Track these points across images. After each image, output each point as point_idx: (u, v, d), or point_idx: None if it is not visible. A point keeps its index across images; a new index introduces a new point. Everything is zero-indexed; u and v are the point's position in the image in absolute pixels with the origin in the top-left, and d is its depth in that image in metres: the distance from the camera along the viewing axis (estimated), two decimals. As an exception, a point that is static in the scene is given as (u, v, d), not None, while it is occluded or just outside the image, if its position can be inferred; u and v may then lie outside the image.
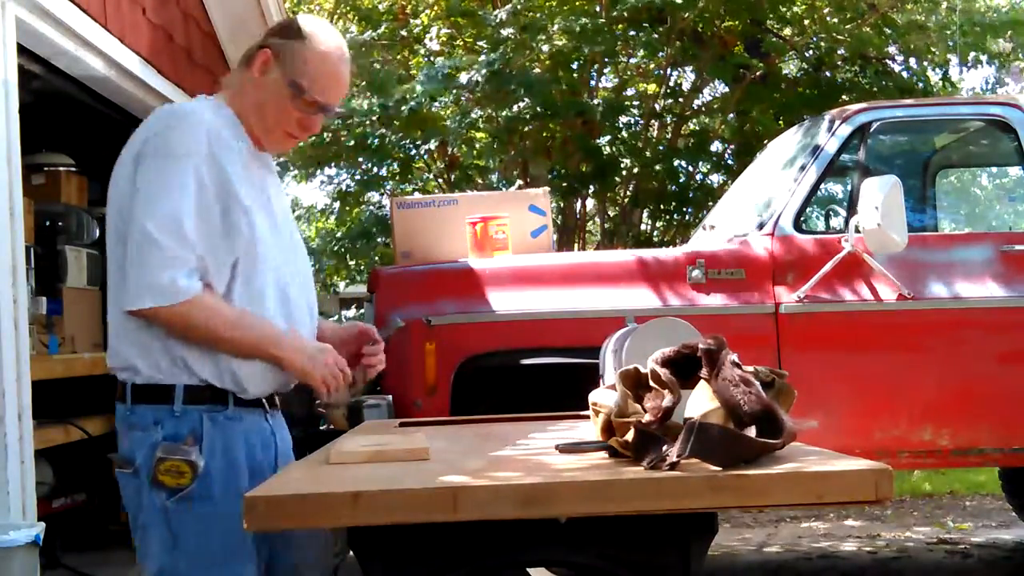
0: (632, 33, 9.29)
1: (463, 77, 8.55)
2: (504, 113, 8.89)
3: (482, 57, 8.76)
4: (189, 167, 1.93)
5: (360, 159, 10.45)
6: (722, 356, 1.64)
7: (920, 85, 9.79)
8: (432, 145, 9.79)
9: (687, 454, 1.48)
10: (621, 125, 10.24)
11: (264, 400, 2.08)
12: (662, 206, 10.42)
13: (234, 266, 1.99)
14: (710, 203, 7.65)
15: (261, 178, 2.11)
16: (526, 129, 9.50)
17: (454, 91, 8.97)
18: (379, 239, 10.63)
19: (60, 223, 5.13)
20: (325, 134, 10.45)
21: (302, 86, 2.05)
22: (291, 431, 2.20)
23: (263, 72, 2.07)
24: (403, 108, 8.65)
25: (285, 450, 2.15)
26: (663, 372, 1.64)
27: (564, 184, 9.62)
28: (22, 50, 3.76)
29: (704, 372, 1.63)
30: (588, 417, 1.92)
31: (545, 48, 8.88)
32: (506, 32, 8.81)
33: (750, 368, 1.68)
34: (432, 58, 9.34)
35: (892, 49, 10.06)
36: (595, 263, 4.43)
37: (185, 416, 1.96)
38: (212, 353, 1.97)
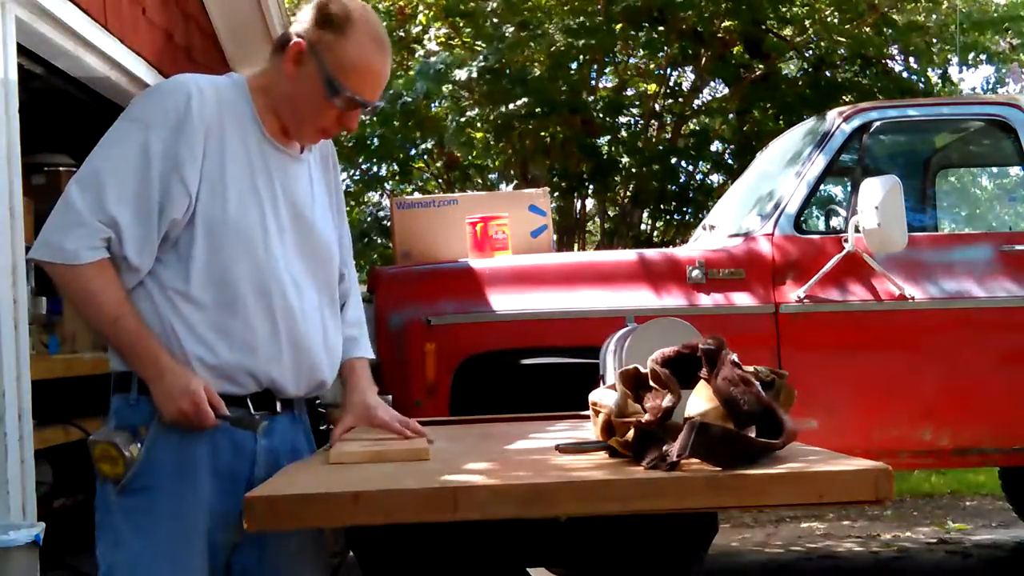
0: (632, 33, 9.29)
1: (459, 73, 8.55)
2: (501, 110, 8.89)
3: (480, 57, 8.76)
4: (139, 133, 1.85)
5: (360, 159, 10.46)
6: (722, 356, 1.64)
7: (920, 85, 9.79)
8: (429, 144, 9.79)
9: (687, 454, 1.48)
10: (620, 125, 10.24)
11: (248, 399, 1.92)
12: (662, 206, 10.43)
13: (190, 243, 1.86)
14: (710, 203, 7.65)
15: (274, 167, 1.96)
16: (527, 127, 9.50)
17: (450, 86, 8.97)
18: (377, 240, 10.64)
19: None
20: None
21: (340, 84, 1.90)
22: None
23: (296, 64, 1.92)
24: (398, 103, 8.65)
25: (276, 464, 1.92)
26: (663, 372, 1.64)
27: (564, 184, 9.62)
28: (22, 50, 3.76)
29: (704, 372, 1.63)
30: (588, 417, 1.92)
31: (542, 46, 8.89)
32: (504, 31, 8.81)
33: (750, 368, 1.68)
34: (430, 58, 9.33)
35: (892, 49, 10.06)
36: (595, 263, 4.42)
37: (140, 405, 1.87)
38: (169, 341, 1.85)
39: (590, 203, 11.04)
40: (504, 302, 4.00)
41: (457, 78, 8.59)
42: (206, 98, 1.89)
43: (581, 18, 8.80)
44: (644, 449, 1.57)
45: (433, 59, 8.86)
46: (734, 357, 1.67)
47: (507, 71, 8.77)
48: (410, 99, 8.68)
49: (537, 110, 8.88)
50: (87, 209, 1.81)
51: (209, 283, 1.87)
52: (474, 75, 8.46)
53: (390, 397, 3.81)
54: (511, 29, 8.86)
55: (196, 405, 1.83)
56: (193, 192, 1.85)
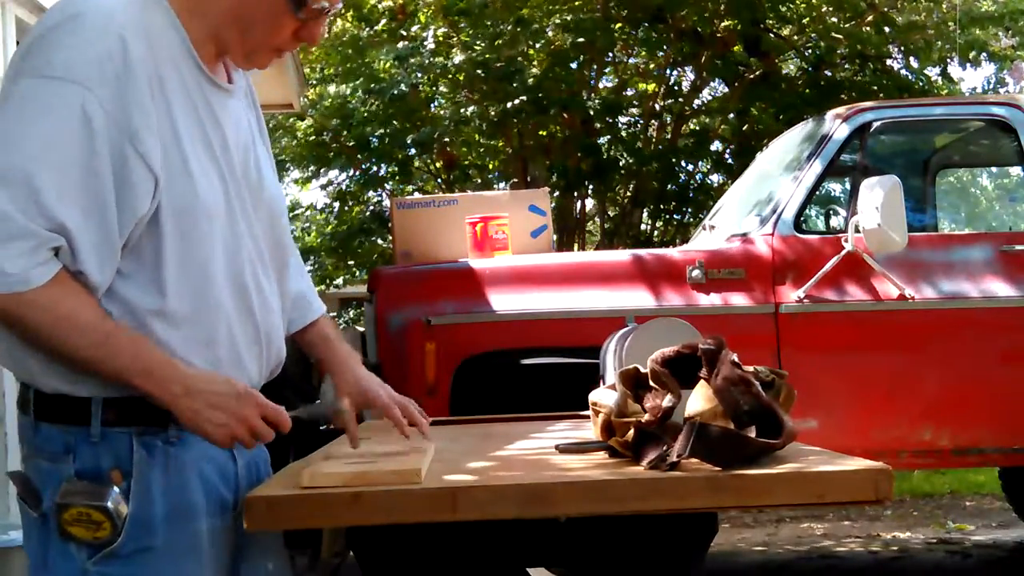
0: (631, 32, 9.31)
1: (455, 62, 8.61)
2: (499, 108, 8.92)
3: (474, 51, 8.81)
4: (69, 96, 1.34)
5: (360, 159, 10.47)
6: (722, 356, 1.64)
7: (920, 84, 9.80)
8: (422, 138, 9.81)
9: (687, 454, 1.48)
10: (620, 124, 10.25)
11: None
12: (662, 206, 10.44)
13: (157, 244, 1.42)
14: (710, 203, 7.66)
15: (219, 112, 1.52)
16: (526, 126, 9.52)
17: (439, 72, 9.02)
18: (376, 238, 10.65)
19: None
20: (325, 134, 10.49)
21: None
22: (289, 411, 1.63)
23: None
24: (392, 91, 8.69)
25: (258, 477, 1.60)
26: (663, 372, 1.64)
27: (563, 184, 9.63)
28: (22, 50, 3.76)
29: (704, 372, 1.63)
30: (588, 417, 1.92)
31: (540, 45, 8.92)
32: (503, 29, 8.84)
33: (750, 368, 1.68)
34: (431, 59, 9.35)
35: (892, 48, 10.07)
36: (595, 263, 4.42)
37: (107, 442, 1.41)
38: None
39: (590, 203, 11.05)
40: (504, 302, 4.00)
41: (449, 65, 8.64)
42: (136, 31, 1.40)
43: (581, 15, 8.81)
44: (644, 449, 1.57)
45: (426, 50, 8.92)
46: (734, 357, 1.67)
47: (499, 64, 8.78)
48: (405, 88, 8.71)
49: (533, 106, 8.90)
50: (20, 213, 1.30)
51: (186, 291, 1.44)
52: (459, 59, 8.49)
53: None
54: (508, 27, 8.88)
55: (262, 406, 1.45)
56: (157, 169, 1.39)
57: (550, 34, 9.11)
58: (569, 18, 8.80)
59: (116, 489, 1.40)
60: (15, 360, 1.43)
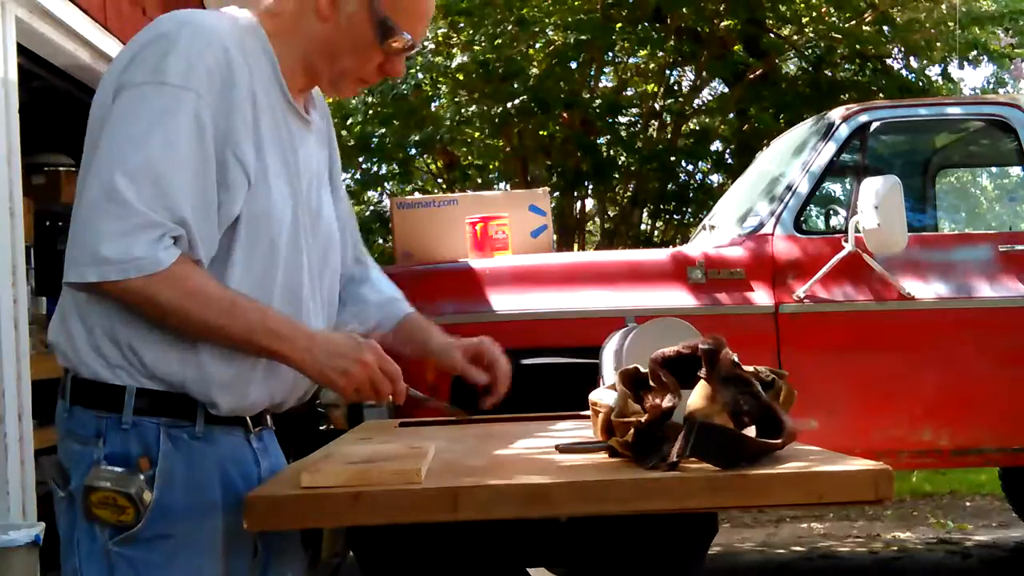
0: (630, 32, 9.32)
1: (455, 62, 8.61)
2: (499, 108, 8.92)
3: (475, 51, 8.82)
4: (186, 103, 1.44)
5: (360, 159, 10.47)
6: (722, 356, 1.64)
7: (920, 84, 9.80)
8: (423, 138, 9.84)
9: (687, 454, 1.48)
10: (620, 124, 10.26)
11: (248, 417, 1.59)
12: (662, 206, 10.44)
13: (229, 246, 1.51)
14: (710, 203, 7.66)
15: (297, 141, 1.62)
16: (526, 126, 9.52)
17: (439, 72, 9.01)
18: (376, 238, 10.65)
19: (60, 223, 5.13)
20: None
21: (394, 23, 1.56)
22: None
23: (334, 2, 1.56)
24: (393, 91, 8.68)
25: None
26: (663, 372, 1.64)
27: (564, 184, 9.64)
28: (22, 50, 3.76)
29: (704, 372, 1.63)
30: (588, 417, 1.92)
31: (539, 45, 8.93)
32: (503, 29, 8.85)
33: (750, 368, 1.68)
34: (432, 58, 9.36)
35: (892, 48, 10.08)
36: (595, 263, 4.43)
37: (136, 430, 1.47)
38: (178, 346, 1.48)
39: (590, 203, 11.06)
40: (504, 302, 4.00)
41: (449, 65, 8.64)
42: (237, 47, 1.51)
43: (581, 16, 8.82)
44: (643, 449, 1.57)
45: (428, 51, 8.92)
46: (734, 357, 1.67)
47: (499, 64, 8.79)
48: (406, 91, 8.71)
49: (533, 106, 8.90)
50: (148, 207, 1.40)
51: (244, 286, 1.52)
52: (464, 60, 8.49)
53: (390, 398, 3.80)
54: (509, 27, 8.89)
55: (383, 359, 1.53)
56: (252, 175, 1.50)
57: (550, 34, 9.11)
58: (570, 19, 8.80)
59: (142, 476, 1.46)
60: (68, 338, 1.50)
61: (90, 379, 1.49)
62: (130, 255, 1.39)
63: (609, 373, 2.16)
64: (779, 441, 1.53)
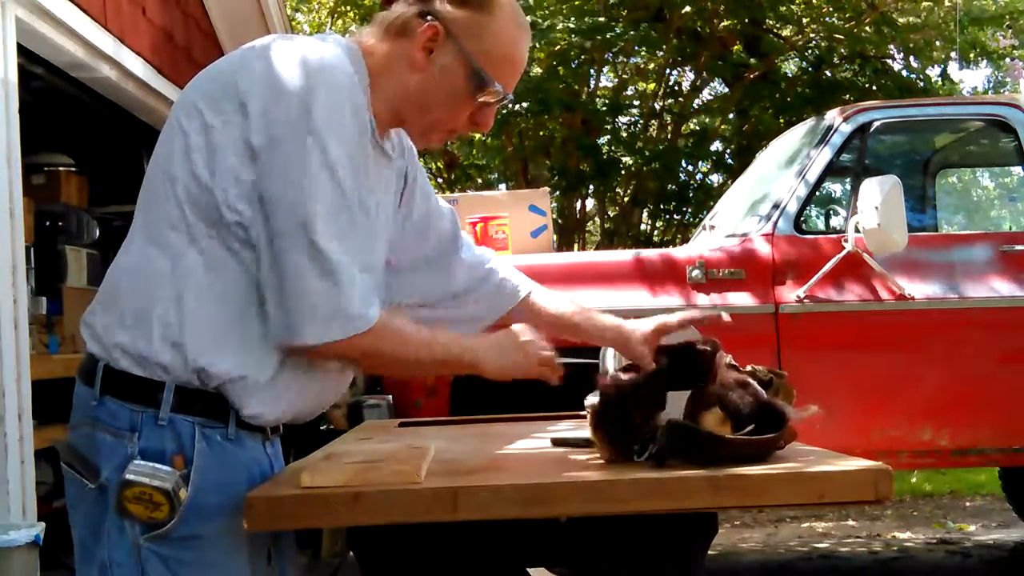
0: (630, 32, 9.32)
1: None
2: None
3: None
4: (345, 152, 1.44)
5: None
6: (717, 359, 1.65)
7: (920, 84, 9.81)
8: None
9: (666, 454, 1.49)
10: (620, 124, 10.26)
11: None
12: (662, 206, 10.44)
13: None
14: (710, 203, 7.67)
15: (384, 181, 1.63)
16: (527, 126, 9.52)
17: None
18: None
19: (60, 223, 5.13)
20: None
21: (488, 76, 1.53)
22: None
23: (429, 52, 1.52)
24: None
25: None
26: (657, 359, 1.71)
27: (564, 184, 9.64)
28: (22, 50, 3.76)
29: (700, 376, 1.64)
30: (586, 418, 1.92)
31: (540, 44, 8.91)
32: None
33: (747, 368, 1.69)
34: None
35: (892, 48, 10.08)
36: (595, 263, 4.42)
37: (172, 427, 1.45)
38: (231, 346, 1.47)
39: (590, 203, 11.06)
40: (504, 302, 4.00)
41: None
42: (358, 89, 1.50)
43: (584, 20, 8.81)
44: (607, 421, 1.60)
45: None
46: (729, 359, 1.68)
47: None
48: None
49: (534, 107, 8.90)
50: (351, 263, 1.44)
51: None
52: None
53: (390, 398, 3.81)
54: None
55: (535, 336, 1.61)
56: (373, 216, 1.56)
57: (555, 35, 9.10)
58: (573, 24, 8.79)
59: (178, 474, 1.43)
60: (103, 329, 1.49)
61: (126, 372, 1.46)
62: (364, 314, 1.44)
63: (609, 373, 2.16)
64: (764, 438, 1.53)
